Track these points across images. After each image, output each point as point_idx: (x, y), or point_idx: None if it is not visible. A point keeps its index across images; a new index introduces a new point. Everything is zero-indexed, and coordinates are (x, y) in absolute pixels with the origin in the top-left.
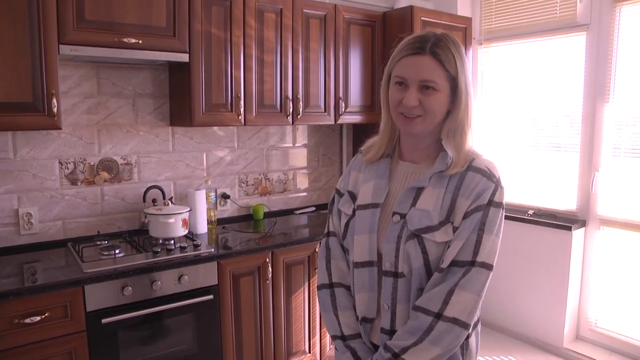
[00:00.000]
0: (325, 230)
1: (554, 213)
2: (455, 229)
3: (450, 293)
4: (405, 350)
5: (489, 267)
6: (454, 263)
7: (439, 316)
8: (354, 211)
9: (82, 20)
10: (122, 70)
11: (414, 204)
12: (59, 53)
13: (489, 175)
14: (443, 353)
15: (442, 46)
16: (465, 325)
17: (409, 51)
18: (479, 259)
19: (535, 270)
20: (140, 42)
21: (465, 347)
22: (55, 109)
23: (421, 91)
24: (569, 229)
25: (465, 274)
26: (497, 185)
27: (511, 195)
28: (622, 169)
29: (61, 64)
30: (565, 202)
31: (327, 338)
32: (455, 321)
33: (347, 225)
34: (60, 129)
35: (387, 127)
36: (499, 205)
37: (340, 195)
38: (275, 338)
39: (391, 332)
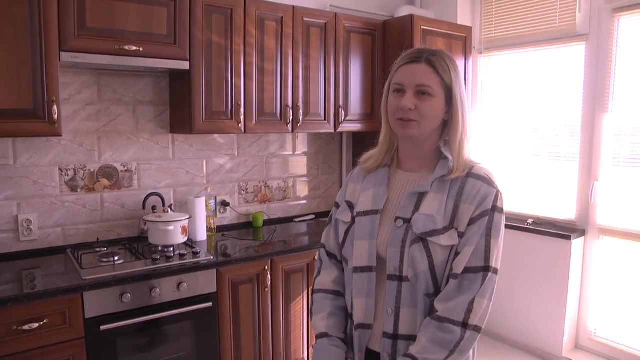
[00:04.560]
0: None
1: (553, 222)
2: (460, 234)
3: (472, 301)
4: None
5: (497, 272)
6: (467, 270)
7: (465, 325)
8: (353, 219)
9: (83, 28)
10: (123, 77)
11: (417, 208)
12: (60, 60)
13: (489, 182)
14: None
15: (438, 57)
16: (480, 331)
17: (406, 60)
18: (491, 264)
19: (534, 279)
20: (141, 49)
21: None
22: (55, 116)
23: (417, 96)
24: (569, 238)
25: (484, 280)
26: (498, 191)
27: (511, 204)
28: (622, 179)
29: (62, 71)
30: (564, 211)
31: None
32: (476, 328)
33: (346, 232)
34: (61, 135)
35: (387, 138)
36: (501, 210)
37: (338, 206)
38: (274, 345)
39: (394, 337)
